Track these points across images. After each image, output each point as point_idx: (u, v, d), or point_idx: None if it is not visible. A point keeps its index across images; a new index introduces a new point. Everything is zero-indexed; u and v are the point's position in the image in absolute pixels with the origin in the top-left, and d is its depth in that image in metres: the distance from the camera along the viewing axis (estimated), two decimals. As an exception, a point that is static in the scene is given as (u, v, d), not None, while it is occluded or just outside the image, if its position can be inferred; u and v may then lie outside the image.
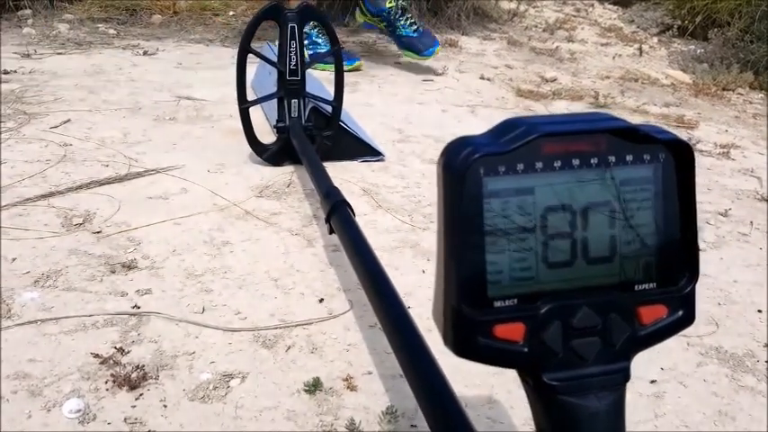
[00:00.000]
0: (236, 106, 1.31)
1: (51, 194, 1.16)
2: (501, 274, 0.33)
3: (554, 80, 2.06)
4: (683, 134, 1.69)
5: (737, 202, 1.36)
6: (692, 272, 0.36)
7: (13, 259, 0.98)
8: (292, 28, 1.28)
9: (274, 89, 1.34)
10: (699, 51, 2.53)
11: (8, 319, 0.85)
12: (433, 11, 2.46)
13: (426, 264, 1.06)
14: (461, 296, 0.33)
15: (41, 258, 0.98)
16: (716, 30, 2.51)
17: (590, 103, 1.90)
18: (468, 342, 0.34)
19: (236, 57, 1.28)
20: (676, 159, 0.35)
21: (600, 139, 0.34)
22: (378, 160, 1.38)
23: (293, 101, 1.30)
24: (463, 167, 0.32)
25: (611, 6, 3.23)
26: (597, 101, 1.91)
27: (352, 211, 0.97)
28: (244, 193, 1.23)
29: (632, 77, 2.19)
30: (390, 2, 1.91)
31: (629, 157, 0.34)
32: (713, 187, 1.42)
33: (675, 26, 2.80)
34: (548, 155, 0.33)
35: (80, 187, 1.20)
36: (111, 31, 2.28)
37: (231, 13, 2.53)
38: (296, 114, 1.30)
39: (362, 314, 0.91)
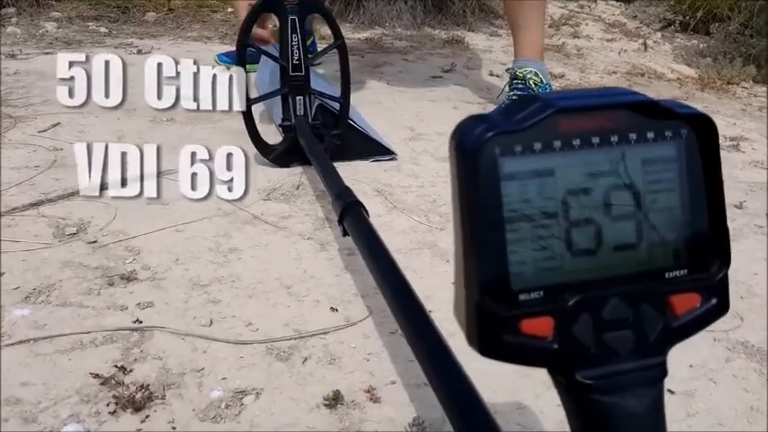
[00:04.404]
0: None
1: (41, 203, 1.09)
2: (524, 265, 0.31)
3: (562, 76, 2.01)
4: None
5: (751, 194, 1.33)
6: (724, 257, 0.34)
7: (2, 274, 0.91)
8: (293, 20, 1.22)
9: (278, 86, 1.27)
10: (702, 46, 2.52)
11: (-3, 338, 0.78)
12: (438, 7, 2.42)
13: (445, 265, 1.00)
14: (484, 290, 0.31)
15: (32, 272, 0.91)
16: (717, 24, 2.51)
17: (599, 97, 1.86)
18: (493, 340, 0.31)
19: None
20: (699, 136, 0.33)
21: (619, 114, 0.32)
22: (390, 159, 1.32)
23: (298, 98, 1.23)
24: (477, 147, 0.30)
25: (613, 2, 3.22)
26: (606, 96, 1.87)
27: (366, 211, 0.91)
28: (250, 197, 1.15)
29: (639, 72, 2.17)
30: None
31: (650, 135, 0.32)
32: (726, 180, 1.38)
33: (677, 21, 2.80)
34: (566, 133, 0.31)
35: (72, 194, 1.12)
36: (103, 30, 2.20)
37: (230, 9, 2.45)
38: (302, 112, 1.23)
39: (382, 321, 0.86)
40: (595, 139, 0.31)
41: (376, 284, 0.77)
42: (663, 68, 2.25)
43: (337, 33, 1.28)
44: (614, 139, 0.32)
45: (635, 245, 0.33)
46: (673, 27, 2.79)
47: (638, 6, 3.05)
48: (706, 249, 0.34)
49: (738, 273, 1.03)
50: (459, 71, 1.99)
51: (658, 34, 2.74)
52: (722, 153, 1.35)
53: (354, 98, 1.32)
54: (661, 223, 0.33)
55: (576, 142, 0.31)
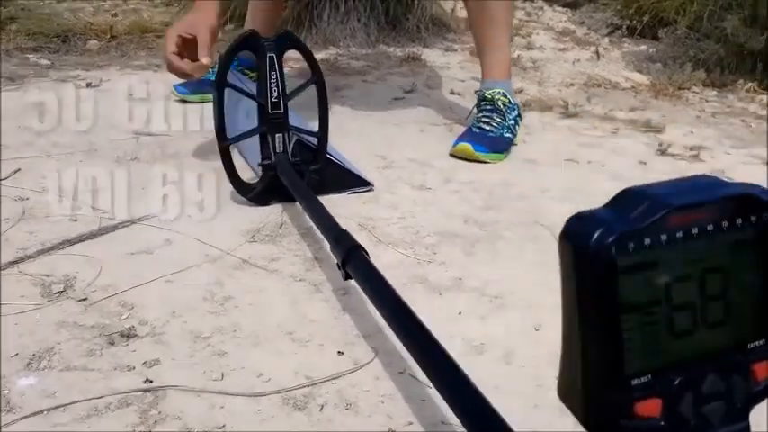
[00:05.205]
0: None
1: (21, 260, 1.05)
2: (635, 351, 0.34)
3: (521, 91, 2.04)
4: (653, 139, 1.73)
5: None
6: None
7: (-1, 340, 0.87)
8: (271, 58, 1.22)
9: (247, 123, 1.27)
10: (651, 51, 2.56)
11: (9, 412, 0.75)
12: (392, 24, 2.42)
13: (439, 299, 1.02)
14: (601, 379, 0.34)
15: (27, 336, 0.88)
16: (665, 29, 2.54)
17: (560, 113, 1.89)
18: (611, 425, 0.34)
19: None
20: None
21: (717, 206, 0.35)
22: (367, 191, 1.34)
23: (277, 135, 1.23)
24: (598, 250, 0.33)
25: (560, 8, 3.22)
26: (567, 110, 1.90)
27: (367, 254, 0.93)
28: (234, 239, 1.15)
29: (595, 83, 2.21)
30: None
31: (738, 221, 0.36)
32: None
33: (624, 26, 2.82)
34: (672, 227, 0.34)
35: (51, 248, 1.09)
36: (44, 62, 2.10)
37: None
38: (281, 150, 1.23)
39: (389, 361, 0.88)
40: (695, 230, 0.35)
41: (389, 327, 0.79)
42: (617, 77, 2.29)
43: (315, 68, 1.29)
44: (710, 228, 0.35)
45: (724, 321, 0.36)
46: (620, 32, 2.80)
47: (585, 12, 3.07)
48: None
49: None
50: (421, 91, 2.00)
51: (606, 40, 2.77)
52: (683, 164, 1.45)
53: (320, 127, 1.32)
54: (744, 299, 0.36)
55: (679, 234, 0.34)
